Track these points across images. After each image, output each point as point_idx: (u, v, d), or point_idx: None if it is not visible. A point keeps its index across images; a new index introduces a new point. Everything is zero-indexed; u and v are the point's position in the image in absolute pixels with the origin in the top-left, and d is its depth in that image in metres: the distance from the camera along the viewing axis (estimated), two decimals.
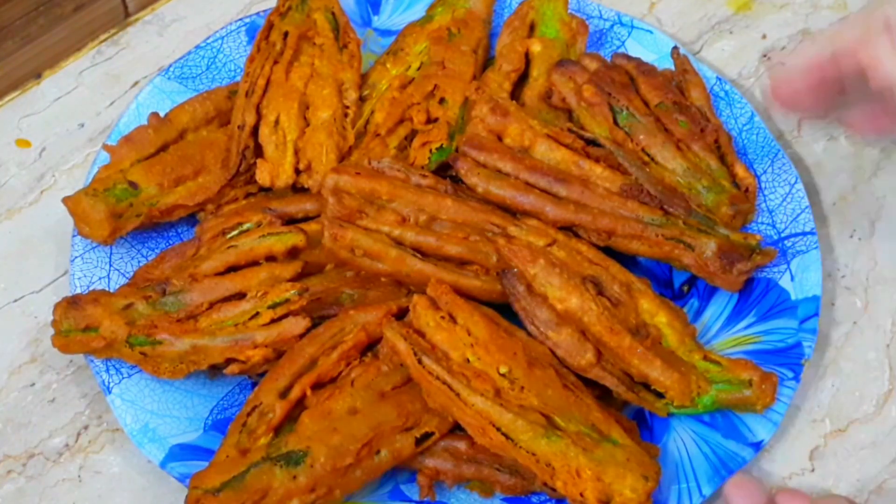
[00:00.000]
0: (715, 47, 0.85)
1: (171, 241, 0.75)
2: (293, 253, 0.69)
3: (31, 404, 0.69)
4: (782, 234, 0.74)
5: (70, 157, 0.80)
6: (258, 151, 0.74)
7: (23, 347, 0.71)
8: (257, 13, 0.82)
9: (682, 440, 0.67)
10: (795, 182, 0.75)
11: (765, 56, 0.84)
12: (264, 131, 0.73)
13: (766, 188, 0.76)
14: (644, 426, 0.69)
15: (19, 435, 0.67)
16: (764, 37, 0.83)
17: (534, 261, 0.65)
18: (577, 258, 0.68)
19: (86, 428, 0.68)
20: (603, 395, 0.67)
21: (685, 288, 0.75)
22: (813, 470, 0.69)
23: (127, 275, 0.72)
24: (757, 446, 0.66)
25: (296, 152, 0.73)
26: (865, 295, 0.75)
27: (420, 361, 0.62)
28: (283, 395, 0.63)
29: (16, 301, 0.73)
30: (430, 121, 0.77)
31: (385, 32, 0.84)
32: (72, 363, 0.70)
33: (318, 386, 0.64)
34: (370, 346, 0.67)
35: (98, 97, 0.83)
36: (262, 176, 0.72)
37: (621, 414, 0.68)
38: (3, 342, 0.71)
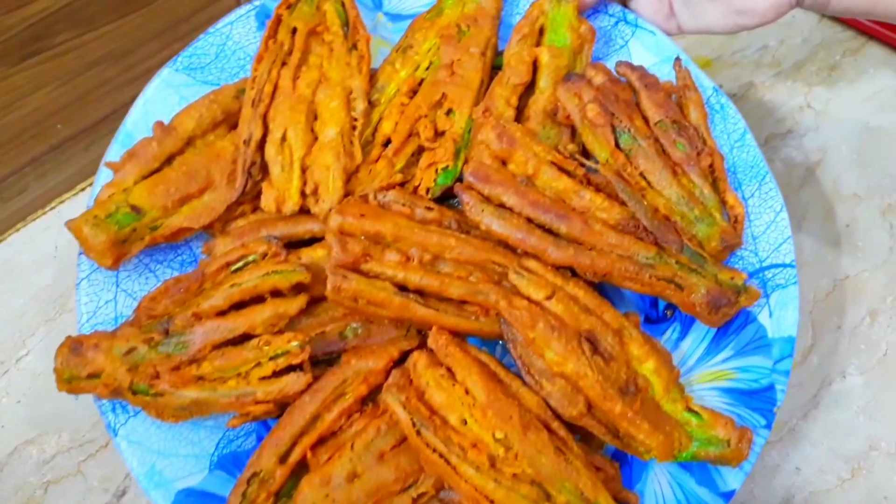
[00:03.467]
0: None
1: (180, 254, 0.65)
2: (298, 285, 0.59)
3: None
4: (763, 264, 0.66)
5: None
6: (265, 167, 0.62)
7: None
8: None
9: (659, 482, 0.61)
10: (780, 210, 0.67)
11: None
12: (270, 151, 0.63)
13: (751, 213, 0.68)
14: (625, 462, 0.62)
15: None
16: (720, 86, 0.80)
17: (533, 326, 0.57)
18: (574, 310, 0.59)
19: None
20: (588, 434, 0.60)
21: (668, 312, 0.67)
22: None
23: (134, 295, 0.63)
24: (727, 496, 0.60)
25: (303, 171, 0.62)
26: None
27: (419, 433, 0.53)
28: (284, 459, 0.55)
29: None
30: (437, 134, 0.65)
31: (396, 17, 0.73)
32: None
33: (319, 441, 0.55)
34: (371, 393, 0.58)
35: None
36: (268, 203, 0.62)
37: (605, 458, 0.61)
38: None
